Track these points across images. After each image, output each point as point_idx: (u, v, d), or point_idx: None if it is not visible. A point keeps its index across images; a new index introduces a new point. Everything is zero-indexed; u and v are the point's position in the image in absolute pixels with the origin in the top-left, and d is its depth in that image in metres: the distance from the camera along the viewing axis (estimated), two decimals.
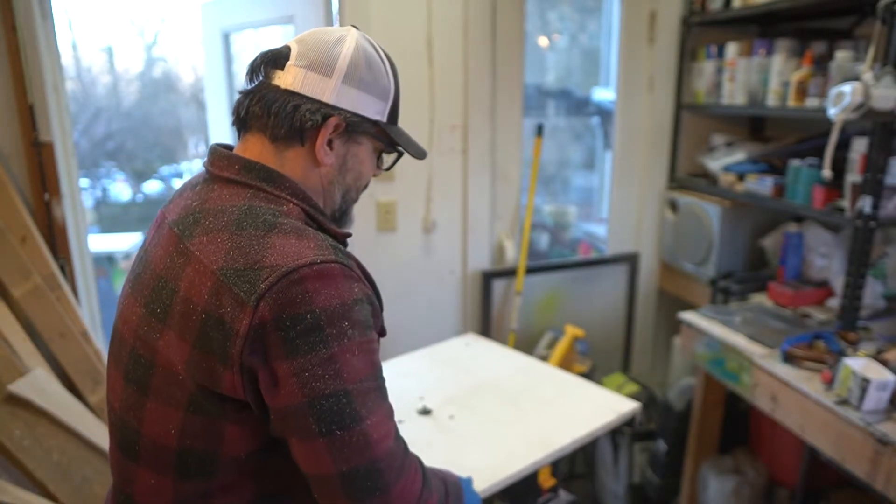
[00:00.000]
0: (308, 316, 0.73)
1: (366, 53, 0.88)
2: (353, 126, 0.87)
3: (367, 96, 0.88)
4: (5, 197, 1.79)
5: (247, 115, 0.86)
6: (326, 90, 0.85)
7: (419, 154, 0.97)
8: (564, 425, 1.48)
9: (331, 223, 0.89)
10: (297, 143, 0.85)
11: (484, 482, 1.27)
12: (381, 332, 0.87)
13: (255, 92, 0.86)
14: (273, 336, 0.72)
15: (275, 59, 0.86)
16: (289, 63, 0.85)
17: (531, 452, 1.37)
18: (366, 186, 0.97)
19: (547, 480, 1.72)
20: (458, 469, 1.29)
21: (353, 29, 0.89)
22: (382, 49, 0.92)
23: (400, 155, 0.97)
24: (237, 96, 0.89)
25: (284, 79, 0.85)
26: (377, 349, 0.81)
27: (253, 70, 0.88)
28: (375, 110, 0.90)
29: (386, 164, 0.99)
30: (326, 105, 0.84)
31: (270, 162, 0.86)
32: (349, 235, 0.92)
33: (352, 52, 0.86)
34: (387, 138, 0.93)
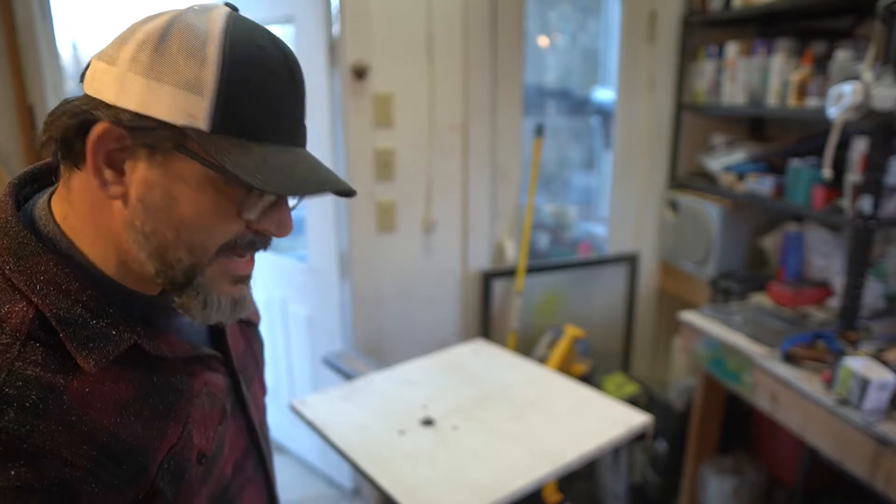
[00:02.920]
0: None
1: (174, 25, 0.55)
2: (141, 135, 0.54)
3: (159, 86, 0.54)
4: None
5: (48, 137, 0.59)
6: (109, 84, 0.55)
7: (288, 188, 0.57)
8: (572, 439, 1.43)
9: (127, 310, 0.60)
10: (73, 166, 0.58)
11: (486, 498, 1.23)
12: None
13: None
14: None
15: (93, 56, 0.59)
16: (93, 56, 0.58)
17: (536, 467, 1.32)
18: (248, 246, 0.62)
19: (553, 495, 1.69)
20: (460, 484, 1.27)
21: (198, 3, 0.59)
22: (244, 28, 0.57)
23: (280, 197, 0.60)
24: None
25: (85, 80, 0.58)
26: None
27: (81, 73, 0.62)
28: (180, 109, 0.54)
29: (252, 210, 0.59)
30: (102, 104, 0.54)
31: (62, 201, 0.60)
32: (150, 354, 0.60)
33: (152, 27, 0.55)
34: (204, 156, 0.55)
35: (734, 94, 2.22)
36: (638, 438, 2.33)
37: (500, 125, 2.34)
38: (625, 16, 2.46)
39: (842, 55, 1.78)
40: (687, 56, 2.48)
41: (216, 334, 0.75)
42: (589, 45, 3.19)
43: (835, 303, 1.98)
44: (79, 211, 0.59)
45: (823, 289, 2.06)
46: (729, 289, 2.26)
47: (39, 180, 0.66)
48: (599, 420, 1.51)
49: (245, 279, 0.64)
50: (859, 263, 1.71)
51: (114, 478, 0.56)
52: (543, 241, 2.91)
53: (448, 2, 2.14)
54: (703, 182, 2.44)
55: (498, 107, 2.32)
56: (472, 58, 2.22)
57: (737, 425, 2.29)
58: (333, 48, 2.08)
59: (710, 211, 2.31)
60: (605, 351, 2.72)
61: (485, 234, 2.41)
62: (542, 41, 3.09)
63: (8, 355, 0.53)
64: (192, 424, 0.65)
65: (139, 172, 0.56)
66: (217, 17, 0.56)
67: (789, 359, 1.68)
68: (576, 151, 3.27)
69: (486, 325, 2.46)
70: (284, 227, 0.62)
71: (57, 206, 0.60)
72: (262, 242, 0.63)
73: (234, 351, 0.78)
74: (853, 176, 1.74)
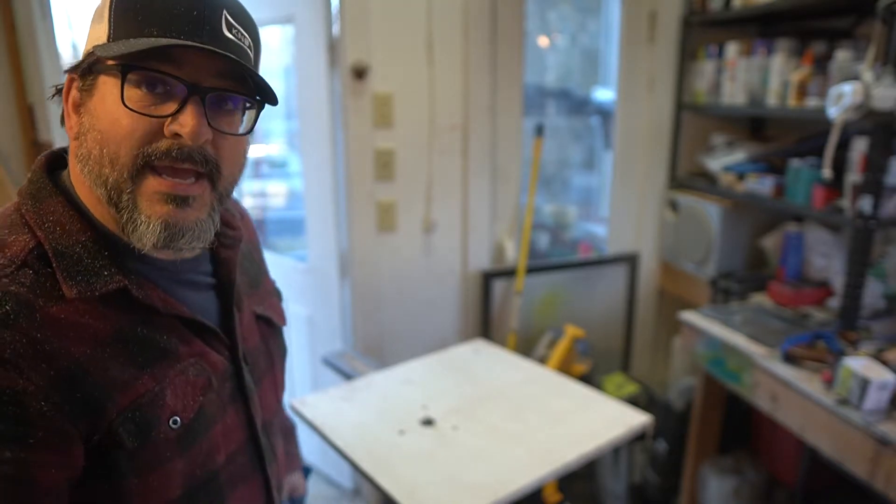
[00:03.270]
0: None
1: None
2: (77, 70, 0.63)
3: (93, 27, 0.64)
4: (5, 197, 1.79)
5: None
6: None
7: (123, 52, 0.58)
8: (572, 439, 1.42)
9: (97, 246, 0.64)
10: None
11: (486, 498, 1.23)
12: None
13: None
14: None
15: None
16: None
17: (536, 467, 1.32)
18: (165, 155, 0.62)
19: (553, 495, 1.69)
20: (459, 484, 1.26)
21: None
22: None
23: (124, 69, 0.60)
24: None
25: None
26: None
27: None
28: (96, 37, 0.63)
29: (135, 100, 0.61)
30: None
31: (72, 163, 0.68)
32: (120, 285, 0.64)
33: None
34: (103, 59, 0.61)
35: (734, 94, 2.22)
36: (638, 438, 2.34)
37: (500, 125, 2.34)
38: (625, 16, 2.46)
39: (842, 55, 1.78)
40: (687, 56, 2.48)
41: (226, 319, 0.77)
42: (589, 45, 3.19)
43: (835, 303, 1.98)
44: (73, 169, 0.66)
45: (823, 289, 2.06)
46: (729, 289, 2.26)
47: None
48: (599, 420, 1.51)
49: (178, 200, 0.63)
50: (859, 263, 1.71)
51: (65, 402, 0.58)
52: (543, 241, 2.91)
53: (448, 2, 2.14)
54: (703, 182, 2.44)
55: (498, 107, 2.32)
56: (472, 58, 2.22)
57: (737, 425, 2.29)
58: (333, 48, 2.08)
59: (710, 211, 2.32)
60: (605, 351, 2.72)
61: (485, 234, 2.41)
62: (542, 41, 3.09)
63: (0, 273, 0.58)
64: (168, 385, 0.66)
65: (83, 104, 0.63)
66: None
67: (789, 359, 1.68)
68: (576, 151, 3.27)
69: (486, 325, 2.46)
70: (189, 130, 0.61)
71: (70, 167, 0.68)
72: (181, 152, 0.62)
73: (244, 341, 0.79)
74: (853, 176, 1.74)
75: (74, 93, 0.63)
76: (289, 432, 1.12)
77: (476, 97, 2.26)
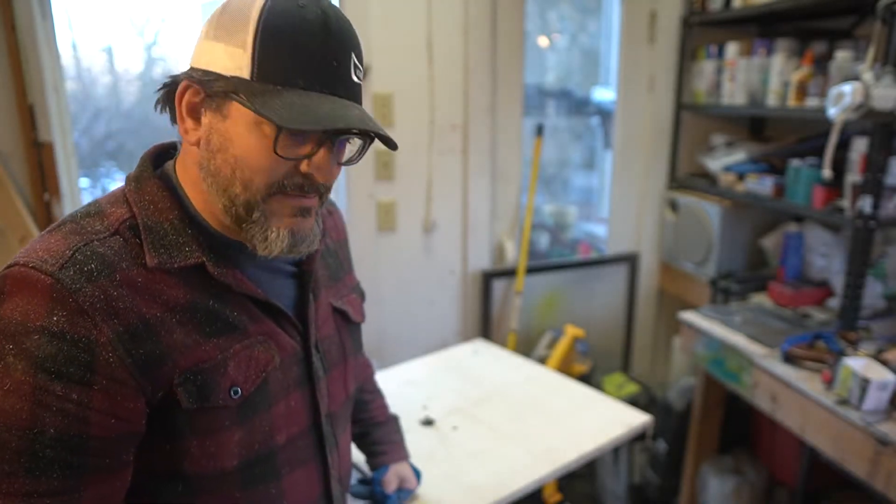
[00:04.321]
0: None
1: None
2: (207, 88, 0.66)
3: (217, 45, 0.66)
4: (5, 197, 1.79)
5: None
6: (193, 54, 0.70)
7: (297, 121, 0.62)
8: (572, 439, 1.42)
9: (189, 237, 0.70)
10: (174, 123, 0.72)
11: (486, 499, 1.23)
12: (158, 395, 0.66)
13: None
14: None
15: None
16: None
17: (536, 467, 1.32)
18: (294, 186, 0.69)
19: (553, 495, 1.69)
20: (459, 484, 1.26)
21: None
22: None
23: (280, 128, 0.64)
24: None
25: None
26: (62, 409, 0.61)
27: None
28: (232, 64, 0.65)
29: (286, 149, 0.66)
30: (185, 70, 0.69)
31: (181, 159, 0.75)
32: (196, 264, 0.70)
33: (222, 2, 0.69)
34: (243, 100, 0.65)
35: (734, 94, 2.22)
36: (638, 438, 2.34)
37: (500, 125, 2.34)
38: (625, 16, 2.46)
39: (842, 55, 1.78)
40: (687, 56, 2.48)
41: (301, 306, 0.82)
42: (589, 45, 3.19)
43: (835, 303, 1.98)
44: (182, 162, 0.74)
45: (823, 289, 2.06)
46: (729, 289, 2.26)
47: (175, 148, 0.80)
48: (599, 420, 1.51)
49: (303, 211, 0.72)
50: (859, 263, 1.71)
51: (128, 356, 0.64)
52: (543, 241, 2.91)
53: (448, 2, 2.14)
54: (703, 182, 2.44)
55: (498, 107, 2.31)
56: (472, 58, 2.22)
57: (737, 425, 2.29)
58: None
59: (710, 211, 2.31)
60: (605, 351, 2.72)
61: (485, 234, 2.41)
62: (542, 41, 3.09)
63: (94, 237, 0.67)
64: (232, 357, 0.71)
65: (207, 119, 0.68)
66: None
67: (789, 359, 1.68)
68: (576, 151, 3.27)
69: (486, 325, 2.46)
70: (322, 171, 0.69)
71: (180, 166, 0.75)
72: (311, 186, 0.70)
73: (318, 329, 0.84)
74: (853, 176, 1.74)
75: (192, 99, 0.68)
76: (393, 420, 1.20)
77: (476, 97, 2.26)
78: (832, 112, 1.58)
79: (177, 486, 0.71)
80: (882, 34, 1.56)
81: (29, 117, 1.82)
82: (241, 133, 0.66)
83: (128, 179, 0.74)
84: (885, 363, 1.50)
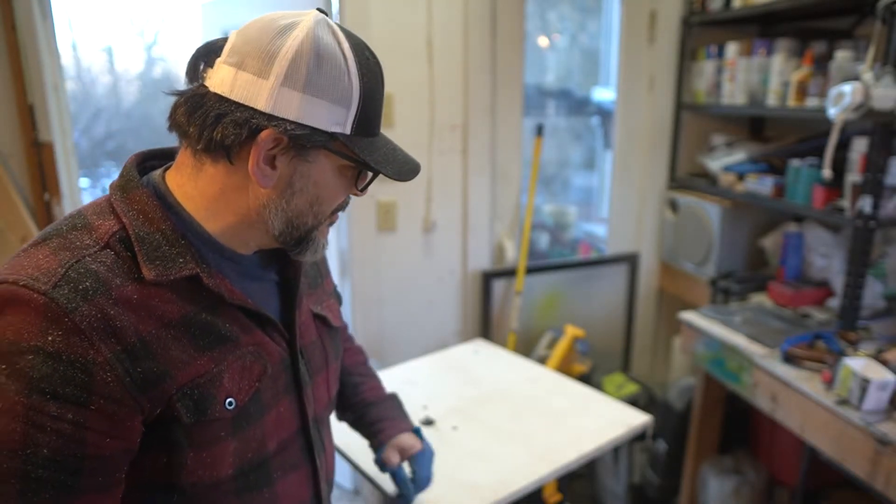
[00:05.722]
0: None
1: (318, 46, 0.67)
2: (299, 140, 0.68)
3: (317, 101, 0.68)
4: (5, 197, 1.79)
5: (172, 122, 0.71)
6: (261, 95, 0.67)
7: (400, 174, 0.75)
8: (572, 439, 1.42)
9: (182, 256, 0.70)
10: (225, 160, 0.70)
11: (486, 499, 1.23)
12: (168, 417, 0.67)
13: (184, 95, 0.70)
14: None
15: (206, 54, 0.71)
16: (219, 59, 0.69)
17: (536, 467, 1.32)
18: (341, 209, 0.80)
19: (553, 496, 1.69)
20: (459, 484, 1.26)
21: (313, 13, 0.70)
22: (352, 39, 0.72)
23: (375, 173, 0.75)
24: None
25: (213, 80, 0.69)
26: (57, 429, 0.60)
27: (188, 68, 0.72)
28: (332, 120, 0.70)
29: (362, 185, 0.79)
30: (260, 114, 0.67)
31: (186, 176, 0.73)
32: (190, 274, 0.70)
33: (297, 46, 0.67)
34: (350, 154, 0.72)
35: (734, 94, 2.22)
36: (638, 438, 2.34)
37: (500, 125, 2.34)
38: (625, 16, 2.46)
39: (842, 55, 1.78)
40: (687, 56, 2.48)
41: (286, 313, 0.84)
42: (589, 45, 3.19)
43: (835, 303, 1.98)
44: (203, 188, 0.72)
45: (823, 289, 2.06)
46: (729, 289, 2.26)
47: (159, 157, 0.81)
48: (599, 420, 1.51)
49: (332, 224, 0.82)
50: (859, 263, 1.71)
51: (127, 375, 0.64)
52: (543, 241, 2.91)
53: (448, 2, 2.14)
54: (703, 182, 2.44)
55: (498, 107, 2.31)
56: (471, 58, 2.22)
57: (737, 425, 2.29)
58: None
59: (710, 211, 2.31)
60: (605, 351, 2.72)
61: (485, 234, 2.41)
62: (542, 41, 3.09)
63: (84, 252, 0.66)
64: (226, 369, 0.72)
65: (290, 164, 0.71)
66: (338, 35, 0.70)
67: (789, 359, 1.68)
68: (576, 151, 3.27)
69: (486, 325, 2.46)
70: (363, 194, 0.80)
71: (174, 176, 0.74)
72: (348, 203, 0.81)
73: (301, 336, 0.86)
74: (853, 176, 1.74)
75: (272, 146, 0.69)
76: (389, 399, 1.21)
77: (476, 97, 2.26)
78: (832, 112, 1.58)
79: (172, 496, 0.71)
80: (882, 34, 1.56)
81: (29, 117, 1.82)
82: (326, 175, 0.74)
83: (112, 188, 0.73)
84: (885, 363, 1.50)
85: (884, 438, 1.35)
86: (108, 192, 0.74)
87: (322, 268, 0.99)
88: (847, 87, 1.53)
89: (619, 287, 2.71)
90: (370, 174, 0.77)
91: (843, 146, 1.72)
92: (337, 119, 0.70)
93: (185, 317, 0.70)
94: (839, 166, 1.73)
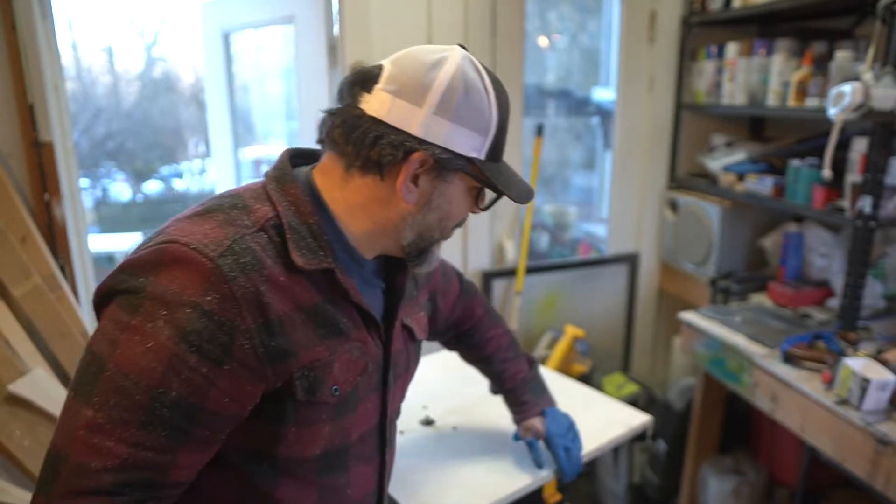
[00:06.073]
0: (140, 280, 0.69)
1: (466, 80, 0.77)
2: (443, 163, 0.77)
3: (462, 130, 0.77)
4: (5, 197, 1.79)
5: (328, 137, 0.80)
6: (415, 121, 0.75)
7: (520, 197, 0.84)
8: None
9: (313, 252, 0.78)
10: (375, 175, 0.78)
11: (486, 498, 1.23)
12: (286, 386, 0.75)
13: (339, 115, 0.78)
14: (108, 286, 0.72)
15: (363, 81, 0.78)
16: (377, 87, 0.77)
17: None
18: (459, 225, 0.88)
19: (553, 496, 1.69)
20: (460, 484, 1.26)
21: (458, 49, 0.79)
22: (490, 74, 0.81)
23: (499, 195, 0.84)
24: (321, 115, 0.83)
25: (371, 104, 0.77)
26: (189, 378, 0.68)
27: (341, 90, 0.80)
28: (471, 146, 0.79)
29: (484, 203, 0.88)
30: (413, 138, 0.75)
31: (334, 182, 0.81)
32: (327, 268, 0.78)
33: (448, 79, 0.76)
34: (483, 178, 0.81)
35: (734, 94, 2.22)
36: (638, 438, 2.34)
37: None
38: (625, 16, 2.46)
39: (842, 55, 1.78)
40: (687, 56, 2.48)
41: (386, 319, 0.92)
42: (589, 45, 3.19)
43: (835, 303, 1.98)
44: (348, 196, 0.80)
45: (823, 289, 2.06)
46: (729, 289, 2.26)
47: (304, 156, 0.88)
48: (599, 420, 1.51)
49: None
50: (859, 263, 1.71)
51: (261, 346, 0.72)
52: (543, 241, 2.91)
53: (448, 2, 2.15)
54: (703, 182, 2.44)
55: None
56: None
57: (737, 425, 2.29)
58: (333, 48, 2.08)
59: (710, 211, 2.32)
60: (605, 351, 2.72)
61: (485, 234, 2.41)
62: (542, 41, 3.09)
63: (244, 230, 0.74)
64: (337, 359, 0.80)
65: (431, 183, 0.79)
66: (481, 71, 0.79)
67: (789, 359, 1.68)
68: (576, 151, 3.27)
69: None
70: (479, 213, 0.89)
71: (320, 178, 0.82)
72: (465, 220, 0.89)
73: (393, 342, 0.93)
74: (853, 176, 1.74)
75: (418, 167, 0.77)
76: (520, 382, 1.32)
77: None
78: (832, 112, 1.58)
79: (263, 464, 0.80)
80: (882, 34, 1.56)
81: (29, 117, 1.82)
82: (458, 195, 0.83)
83: (268, 177, 0.81)
84: (885, 363, 1.50)
85: (884, 438, 1.35)
86: (262, 179, 0.82)
87: (421, 280, 1.06)
88: (847, 87, 1.53)
89: (619, 287, 2.71)
90: (490, 195, 0.86)
91: (843, 146, 1.72)
92: (475, 145, 0.79)
93: (315, 305, 0.78)
94: (839, 166, 1.73)
